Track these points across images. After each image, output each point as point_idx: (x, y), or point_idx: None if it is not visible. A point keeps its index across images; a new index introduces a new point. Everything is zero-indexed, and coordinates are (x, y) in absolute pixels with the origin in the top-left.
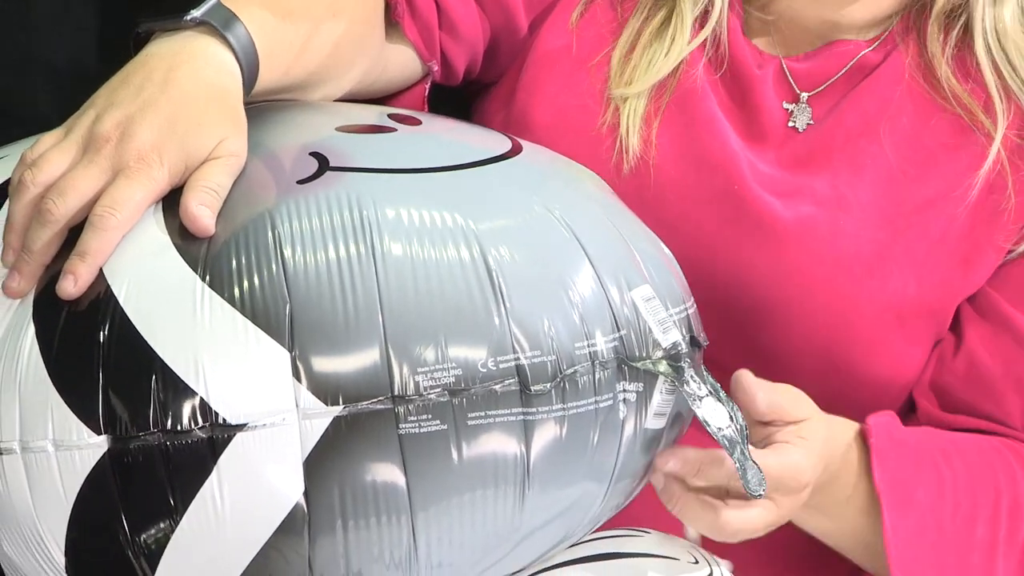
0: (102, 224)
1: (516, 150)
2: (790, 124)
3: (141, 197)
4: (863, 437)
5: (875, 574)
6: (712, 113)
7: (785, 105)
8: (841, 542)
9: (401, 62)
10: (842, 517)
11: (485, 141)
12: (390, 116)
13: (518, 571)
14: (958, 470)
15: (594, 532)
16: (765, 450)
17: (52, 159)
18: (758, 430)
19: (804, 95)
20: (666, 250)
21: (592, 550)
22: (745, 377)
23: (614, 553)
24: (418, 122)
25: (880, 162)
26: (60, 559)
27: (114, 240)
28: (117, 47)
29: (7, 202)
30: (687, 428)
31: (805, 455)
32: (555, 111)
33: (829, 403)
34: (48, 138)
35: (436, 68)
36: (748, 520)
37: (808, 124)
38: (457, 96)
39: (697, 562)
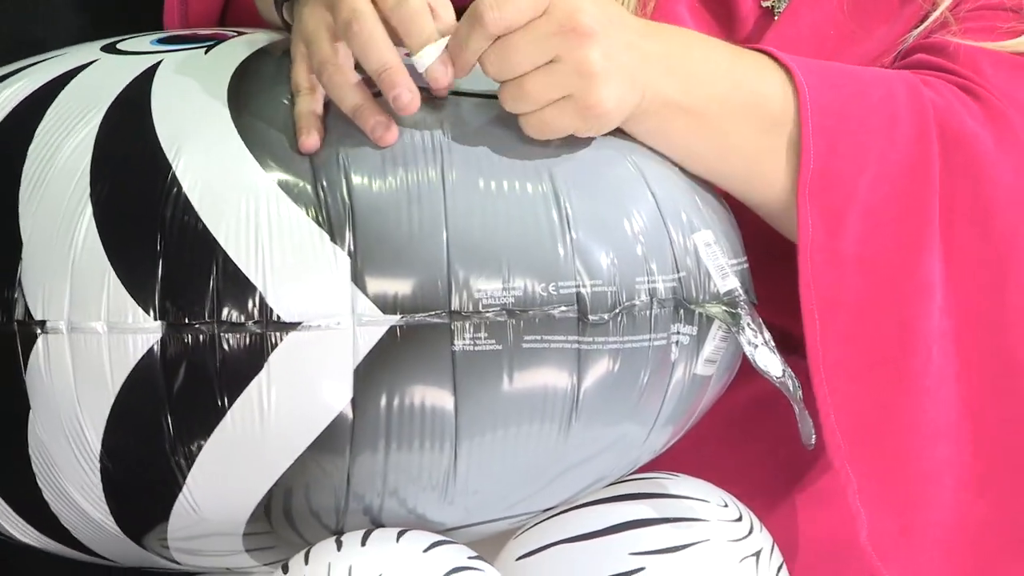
0: None
1: None
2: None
3: None
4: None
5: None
6: (680, 18)
7: (763, 4)
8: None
9: None
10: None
11: None
12: None
13: (548, 508)
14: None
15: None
16: None
17: None
18: None
19: None
20: (725, 204)
21: (620, 491)
22: None
23: (644, 493)
24: None
25: (840, 28)
26: (96, 446)
27: None
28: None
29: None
30: (730, 381)
31: None
32: None
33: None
34: None
35: None
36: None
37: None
38: None
39: (727, 506)
